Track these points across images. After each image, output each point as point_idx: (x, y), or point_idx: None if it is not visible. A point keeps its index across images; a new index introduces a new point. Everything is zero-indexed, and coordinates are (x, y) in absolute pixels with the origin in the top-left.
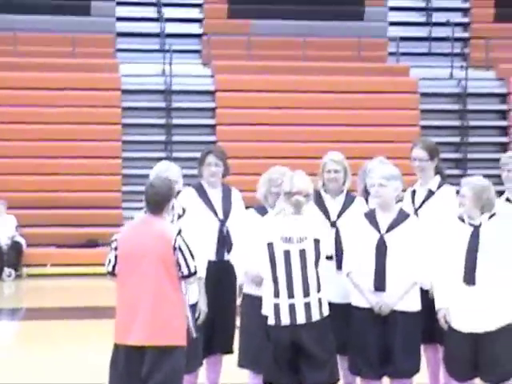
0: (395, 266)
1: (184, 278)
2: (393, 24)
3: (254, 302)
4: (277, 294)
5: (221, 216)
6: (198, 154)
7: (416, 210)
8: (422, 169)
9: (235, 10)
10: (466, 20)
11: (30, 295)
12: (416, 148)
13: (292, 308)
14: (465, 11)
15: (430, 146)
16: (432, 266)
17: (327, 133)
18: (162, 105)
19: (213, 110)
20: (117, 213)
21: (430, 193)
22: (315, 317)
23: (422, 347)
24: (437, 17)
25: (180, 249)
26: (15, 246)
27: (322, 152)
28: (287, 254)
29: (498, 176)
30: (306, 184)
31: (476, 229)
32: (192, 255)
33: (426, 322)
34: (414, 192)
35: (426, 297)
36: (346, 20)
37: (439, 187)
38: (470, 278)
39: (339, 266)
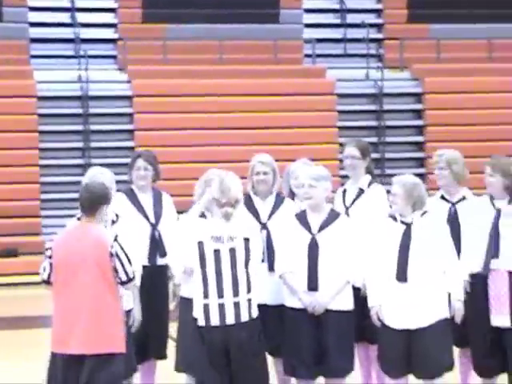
0: (327, 266)
1: (122, 284)
2: (308, 26)
3: (190, 305)
4: (206, 295)
5: (152, 220)
6: (116, 160)
7: (347, 209)
8: (354, 167)
9: (150, 14)
10: (380, 21)
11: None
12: (349, 146)
13: (221, 308)
14: (378, 12)
15: (362, 145)
16: (364, 264)
17: (245, 136)
18: (79, 111)
19: (130, 115)
20: (36, 221)
21: (361, 191)
22: (244, 317)
23: (355, 346)
24: (351, 18)
25: (117, 255)
26: None
27: (242, 155)
28: (217, 252)
29: (416, 174)
30: (235, 192)
31: (408, 226)
32: (129, 261)
33: (357, 321)
34: (344, 191)
35: (358, 295)
36: (262, 23)
37: (369, 185)
38: (402, 275)
39: (271, 268)
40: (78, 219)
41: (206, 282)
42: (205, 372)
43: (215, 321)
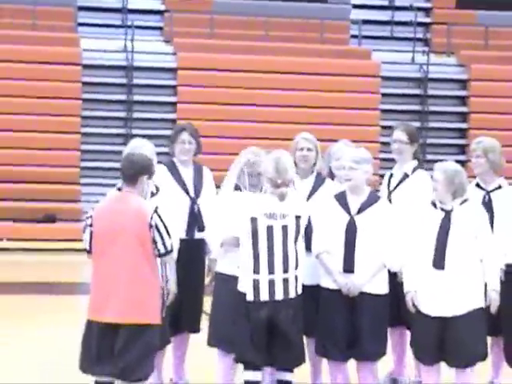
0: (364, 248)
1: (160, 256)
2: (356, 7)
3: (226, 280)
4: (257, 270)
5: (192, 194)
6: (158, 132)
7: (390, 193)
8: (401, 151)
9: None
10: (428, 5)
11: None
12: (397, 130)
13: (271, 284)
14: None
15: (410, 130)
16: (402, 249)
17: (289, 114)
18: (123, 81)
19: (174, 87)
20: (75, 188)
21: (405, 176)
22: (292, 293)
23: (389, 330)
24: (400, 1)
25: (156, 226)
26: None
27: (283, 133)
28: (270, 229)
29: (458, 161)
30: (290, 172)
31: (447, 214)
32: (168, 233)
33: (392, 306)
34: (391, 175)
35: (394, 280)
36: (310, 1)
37: (414, 171)
38: (439, 262)
39: (308, 248)
40: (119, 189)
41: (257, 257)
42: (246, 348)
43: (264, 296)
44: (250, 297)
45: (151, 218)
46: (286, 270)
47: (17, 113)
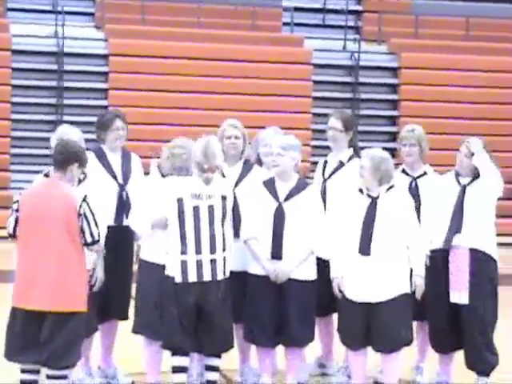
0: (292, 235)
1: (87, 245)
2: None
3: (150, 267)
4: (184, 251)
5: (120, 180)
6: (89, 118)
7: (325, 181)
8: (335, 139)
9: None
10: None
11: None
12: (332, 118)
13: (199, 265)
14: None
15: (346, 117)
16: (329, 235)
17: (220, 101)
18: (54, 67)
19: (105, 74)
20: (5, 175)
21: (341, 164)
22: (220, 275)
23: (316, 319)
24: None
25: (85, 215)
26: None
27: (213, 120)
28: (196, 209)
29: (388, 149)
30: (218, 158)
31: (373, 200)
32: (96, 223)
33: (321, 294)
34: (325, 162)
35: (322, 266)
36: None
37: (350, 159)
38: (365, 248)
39: (236, 234)
40: (46, 175)
41: (184, 238)
42: (173, 333)
43: (192, 277)
44: (178, 278)
45: (80, 207)
46: (213, 251)
47: None
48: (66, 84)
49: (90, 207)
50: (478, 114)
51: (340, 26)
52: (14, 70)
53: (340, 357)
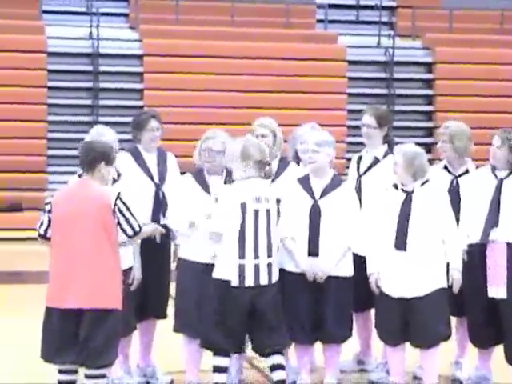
0: (329, 232)
1: (130, 238)
2: None
3: (189, 265)
4: (242, 255)
5: (157, 180)
6: (124, 119)
7: (360, 177)
8: (369, 136)
9: None
10: None
11: None
12: (366, 115)
13: (257, 269)
14: None
15: (379, 113)
16: (366, 231)
17: (255, 99)
18: (89, 68)
19: (140, 74)
20: (41, 177)
21: (376, 160)
22: (274, 278)
23: (354, 315)
24: None
25: (120, 211)
26: None
27: (251, 118)
28: (256, 213)
29: (424, 144)
30: (268, 151)
31: (408, 195)
32: (133, 215)
33: (358, 289)
34: (360, 158)
35: (361, 264)
36: None
37: (385, 156)
38: (401, 243)
39: None
40: (79, 176)
41: (243, 242)
42: (211, 334)
43: (249, 281)
44: (234, 282)
45: (115, 204)
46: (269, 255)
47: None
48: (102, 85)
49: (124, 203)
50: None
51: (374, 22)
52: (50, 71)
53: (378, 353)
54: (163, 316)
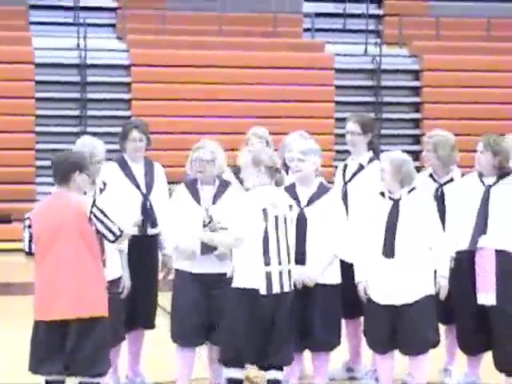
0: (315, 240)
1: (112, 242)
2: (308, 0)
3: (185, 276)
4: (267, 262)
5: (144, 190)
6: (112, 129)
7: (346, 184)
8: (354, 143)
9: None
10: None
11: None
12: (349, 122)
13: (281, 275)
14: None
15: (363, 120)
16: (353, 239)
17: (243, 108)
18: (77, 79)
19: (128, 84)
20: (30, 188)
21: (361, 167)
22: (292, 285)
23: (344, 322)
24: None
25: (97, 218)
26: None
27: (239, 127)
28: (276, 219)
29: (412, 151)
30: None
31: (395, 202)
32: (111, 220)
33: (348, 297)
34: (345, 166)
35: (348, 272)
36: None
37: (370, 162)
38: (388, 251)
39: None
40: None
41: (267, 248)
42: (233, 346)
43: (276, 288)
44: (262, 290)
45: (90, 212)
46: (290, 261)
47: None
48: (90, 95)
49: (100, 209)
50: (503, 115)
51: (361, 31)
52: (38, 82)
53: (368, 360)
54: (151, 326)
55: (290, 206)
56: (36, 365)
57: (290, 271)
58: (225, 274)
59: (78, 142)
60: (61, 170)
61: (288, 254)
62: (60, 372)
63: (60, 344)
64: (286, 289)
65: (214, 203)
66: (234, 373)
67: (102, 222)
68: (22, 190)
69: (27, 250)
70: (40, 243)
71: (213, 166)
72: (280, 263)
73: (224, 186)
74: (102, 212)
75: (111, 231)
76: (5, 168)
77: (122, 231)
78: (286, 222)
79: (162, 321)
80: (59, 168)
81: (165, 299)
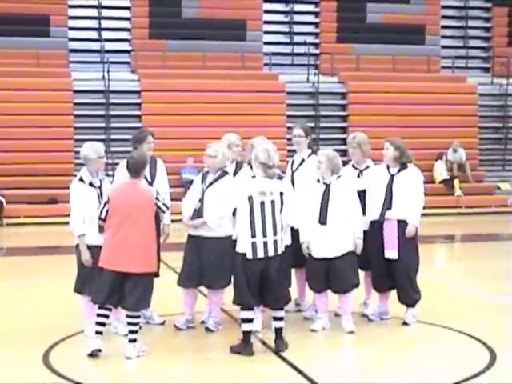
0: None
1: (164, 212)
2: (267, 43)
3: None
4: (254, 235)
5: (149, 179)
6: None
7: (293, 173)
8: (299, 143)
9: (154, 33)
10: (317, 41)
11: (9, 238)
12: (296, 128)
13: (265, 245)
14: (316, 35)
15: (305, 127)
16: (299, 211)
17: (221, 121)
18: (103, 101)
19: (139, 104)
20: (69, 179)
21: (303, 161)
22: (279, 251)
23: (294, 271)
24: (297, 38)
25: (157, 199)
26: None
27: (215, 134)
28: (262, 204)
29: (341, 150)
30: (278, 157)
31: (327, 186)
32: (164, 202)
33: (296, 253)
34: (292, 161)
35: (295, 235)
36: (233, 40)
37: (309, 156)
38: (323, 219)
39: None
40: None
41: (253, 225)
42: (243, 294)
43: (260, 254)
44: (249, 255)
45: (156, 198)
46: (275, 234)
47: (28, 126)
48: (112, 112)
49: (157, 197)
50: (406, 123)
51: (304, 65)
52: (75, 104)
53: (310, 297)
54: (157, 275)
55: (281, 194)
56: (99, 298)
57: (275, 241)
58: (215, 238)
59: (87, 144)
60: (138, 167)
61: (274, 228)
62: (110, 303)
63: (120, 287)
64: (271, 254)
65: (209, 186)
66: (246, 314)
67: (162, 203)
68: (64, 180)
69: (103, 217)
70: (117, 213)
71: (214, 160)
72: (265, 235)
73: (221, 175)
74: (158, 199)
75: (166, 207)
76: (53, 165)
77: (168, 207)
78: (273, 205)
79: (166, 271)
80: (136, 165)
81: (168, 257)
